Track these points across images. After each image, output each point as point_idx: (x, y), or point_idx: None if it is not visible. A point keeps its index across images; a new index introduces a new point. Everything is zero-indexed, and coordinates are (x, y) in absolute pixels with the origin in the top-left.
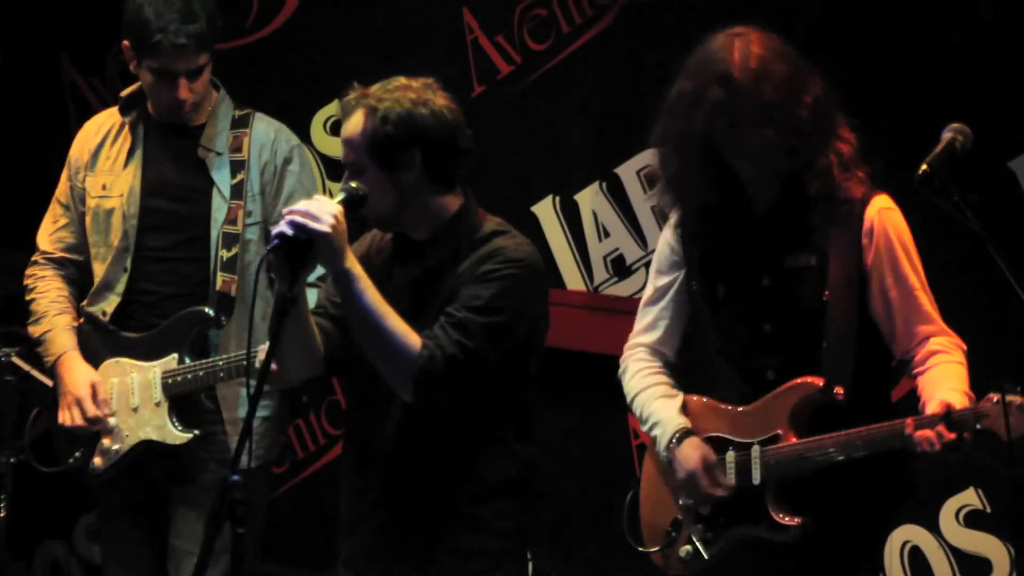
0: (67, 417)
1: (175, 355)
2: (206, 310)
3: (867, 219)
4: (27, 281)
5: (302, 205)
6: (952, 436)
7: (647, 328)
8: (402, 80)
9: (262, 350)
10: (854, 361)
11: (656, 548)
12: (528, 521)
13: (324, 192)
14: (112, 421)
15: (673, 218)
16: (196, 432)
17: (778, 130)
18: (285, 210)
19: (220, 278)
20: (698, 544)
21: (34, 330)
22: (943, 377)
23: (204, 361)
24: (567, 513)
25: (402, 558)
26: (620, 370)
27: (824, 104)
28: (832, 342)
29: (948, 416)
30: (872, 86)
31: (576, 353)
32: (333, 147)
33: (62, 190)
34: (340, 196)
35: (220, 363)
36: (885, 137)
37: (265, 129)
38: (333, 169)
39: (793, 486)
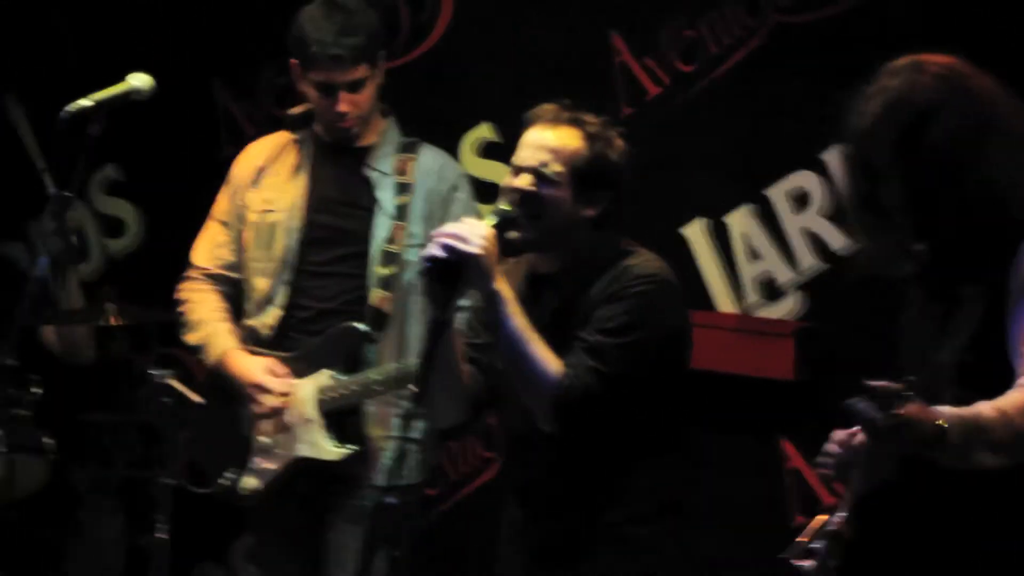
0: (258, 407)
1: (327, 371)
2: (359, 326)
3: None
4: (180, 295)
5: (452, 227)
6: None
7: None
8: (601, 119)
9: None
10: None
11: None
12: (682, 543)
13: None
14: (266, 440)
15: None
16: (352, 448)
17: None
18: (434, 232)
19: (376, 294)
20: None
21: (191, 337)
22: None
23: (358, 376)
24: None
25: None
26: None
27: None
28: None
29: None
30: None
31: (726, 375)
32: (482, 169)
33: (221, 208)
34: (491, 219)
35: (376, 377)
36: None
37: (433, 157)
38: (482, 191)
39: None
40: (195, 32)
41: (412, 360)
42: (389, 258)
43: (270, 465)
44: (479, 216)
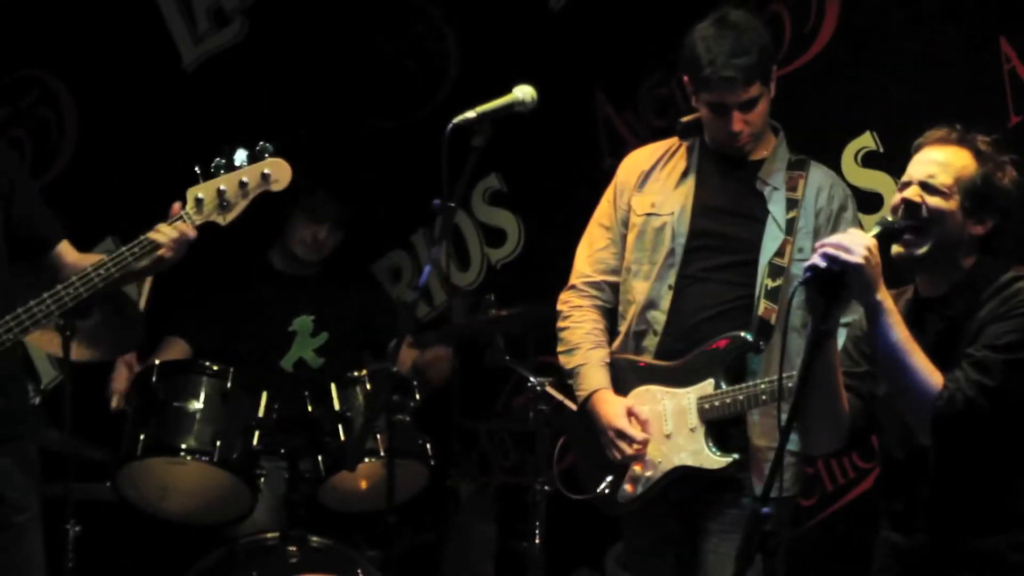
0: (615, 453)
1: (711, 380)
2: (746, 335)
3: None
4: (561, 307)
5: (835, 238)
6: None
7: None
8: (992, 139)
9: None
10: None
11: None
12: None
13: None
14: (641, 452)
15: None
16: (735, 456)
17: None
18: (818, 243)
19: (763, 304)
20: None
21: (566, 361)
22: None
23: (744, 385)
24: None
25: None
26: None
27: None
28: None
29: None
30: None
31: None
32: (864, 179)
33: (604, 212)
34: (875, 229)
35: (762, 386)
36: None
37: (823, 175)
38: (864, 201)
39: None
40: (578, 43)
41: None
42: (777, 271)
43: (649, 473)
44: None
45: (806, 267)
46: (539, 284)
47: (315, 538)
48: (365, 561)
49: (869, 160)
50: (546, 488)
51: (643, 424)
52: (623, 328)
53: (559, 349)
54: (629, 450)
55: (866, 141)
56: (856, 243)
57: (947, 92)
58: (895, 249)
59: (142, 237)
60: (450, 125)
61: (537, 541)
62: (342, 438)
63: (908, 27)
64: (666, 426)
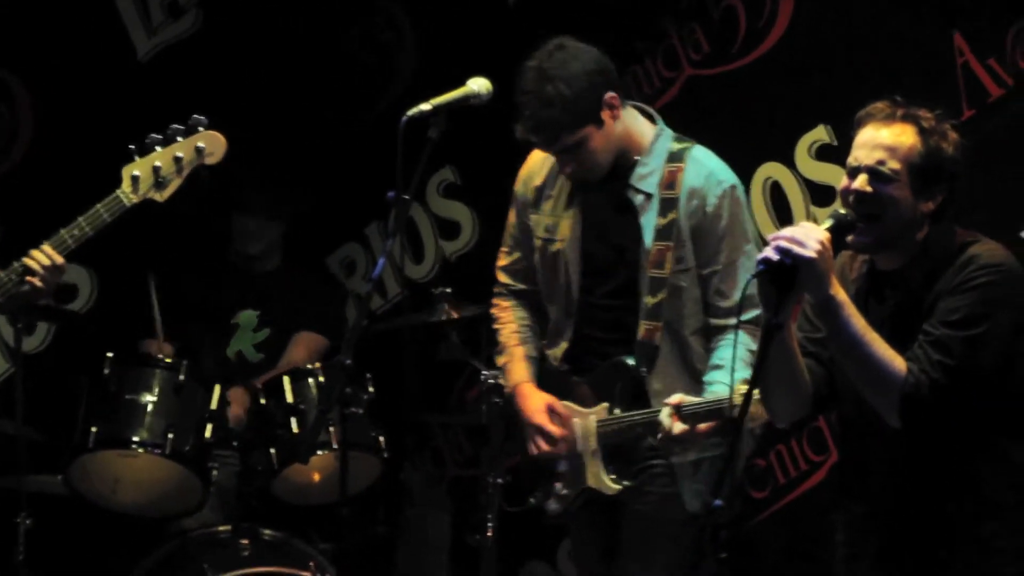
0: (533, 447)
1: (606, 404)
2: (626, 360)
3: None
4: (492, 311)
5: (788, 231)
6: None
7: None
8: (934, 113)
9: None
10: None
11: None
12: None
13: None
14: (562, 465)
15: None
16: (627, 483)
17: None
18: (771, 235)
19: (643, 327)
20: None
21: (498, 360)
22: None
23: (640, 412)
24: None
25: None
26: None
27: None
28: None
29: None
30: None
31: None
32: (817, 172)
33: (512, 220)
34: (828, 223)
35: (641, 417)
36: None
37: (697, 172)
38: (818, 194)
39: None
40: (533, 37)
41: (710, 395)
42: (657, 285)
43: (567, 491)
44: (744, 235)
45: (759, 259)
46: (493, 277)
47: (267, 531)
48: (317, 554)
49: (823, 153)
50: (499, 481)
51: (564, 419)
52: (548, 351)
53: (495, 351)
54: (546, 447)
55: (820, 134)
56: (810, 237)
57: (901, 86)
58: (850, 239)
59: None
60: (405, 117)
61: (490, 534)
62: (295, 431)
63: (862, 21)
64: (579, 444)
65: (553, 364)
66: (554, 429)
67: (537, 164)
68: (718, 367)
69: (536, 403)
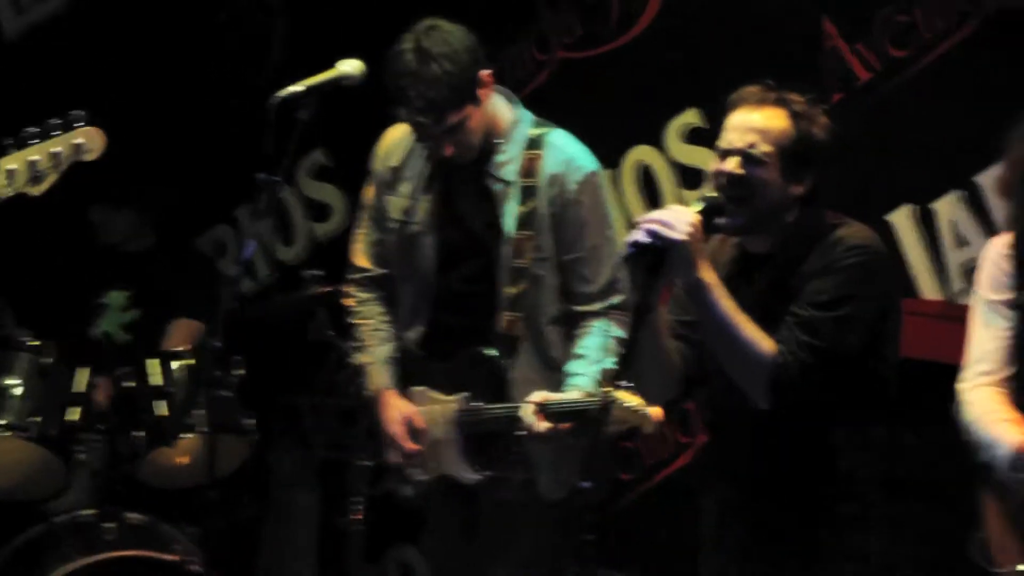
0: (389, 456)
1: (466, 394)
2: (487, 352)
3: None
4: (347, 301)
5: (658, 213)
6: None
7: (982, 356)
8: (805, 97)
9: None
10: None
11: (1012, 568)
12: (896, 520)
13: (647, 210)
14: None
15: (1006, 237)
16: (487, 473)
17: None
18: (641, 218)
19: (505, 317)
20: None
21: (356, 357)
22: None
23: (501, 405)
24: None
25: (773, 565)
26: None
27: None
28: None
29: None
30: None
31: (930, 363)
32: (688, 155)
33: (370, 202)
34: (698, 205)
35: (513, 407)
36: None
37: (556, 158)
38: (688, 178)
39: None
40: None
41: (573, 389)
42: (517, 274)
43: (423, 477)
44: (604, 222)
45: (629, 242)
46: None
47: (132, 515)
48: (184, 537)
49: (693, 136)
50: (367, 464)
51: (419, 433)
52: (403, 334)
53: (352, 344)
54: (398, 459)
55: (690, 118)
56: (679, 219)
57: (770, 69)
58: (720, 221)
59: None
60: (275, 98)
61: (357, 516)
62: (162, 413)
63: (732, 5)
64: (436, 431)
65: (410, 347)
66: (410, 446)
67: (393, 143)
68: (581, 357)
69: (395, 414)
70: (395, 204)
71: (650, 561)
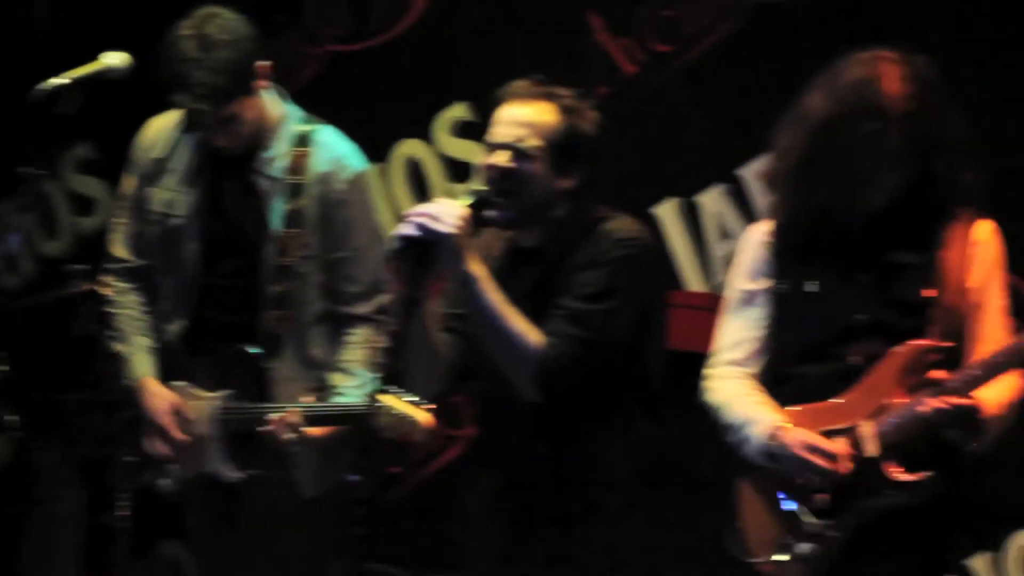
0: (152, 446)
1: (227, 391)
2: (250, 350)
3: (976, 234)
4: (104, 290)
5: (426, 206)
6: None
7: (734, 344)
8: (573, 92)
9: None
10: None
11: (767, 557)
12: (658, 512)
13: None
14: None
15: (764, 225)
16: (248, 471)
17: (919, 160)
18: (409, 211)
19: (267, 315)
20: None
21: (114, 346)
22: None
23: (266, 405)
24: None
25: (535, 555)
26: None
27: (958, 127)
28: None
29: None
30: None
31: (696, 355)
32: (457, 149)
33: (130, 190)
34: (466, 199)
35: (274, 407)
36: None
37: (324, 156)
38: (457, 171)
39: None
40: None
41: (339, 401)
42: (282, 272)
43: (183, 473)
44: (370, 222)
45: (398, 235)
46: None
47: None
48: None
49: (462, 130)
50: (130, 459)
51: (188, 423)
52: (164, 326)
53: (110, 334)
54: (164, 449)
55: (459, 111)
56: (448, 213)
57: (537, 62)
58: (487, 214)
59: None
60: (37, 91)
61: (122, 513)
62: None
63: None
64: (197, 428)
65: (171, 341)
66: (178, 435)
67: (157, 134)
68: (345, 372)
69: (162, 403)
70: (158, 196)
71: (419, 554)
